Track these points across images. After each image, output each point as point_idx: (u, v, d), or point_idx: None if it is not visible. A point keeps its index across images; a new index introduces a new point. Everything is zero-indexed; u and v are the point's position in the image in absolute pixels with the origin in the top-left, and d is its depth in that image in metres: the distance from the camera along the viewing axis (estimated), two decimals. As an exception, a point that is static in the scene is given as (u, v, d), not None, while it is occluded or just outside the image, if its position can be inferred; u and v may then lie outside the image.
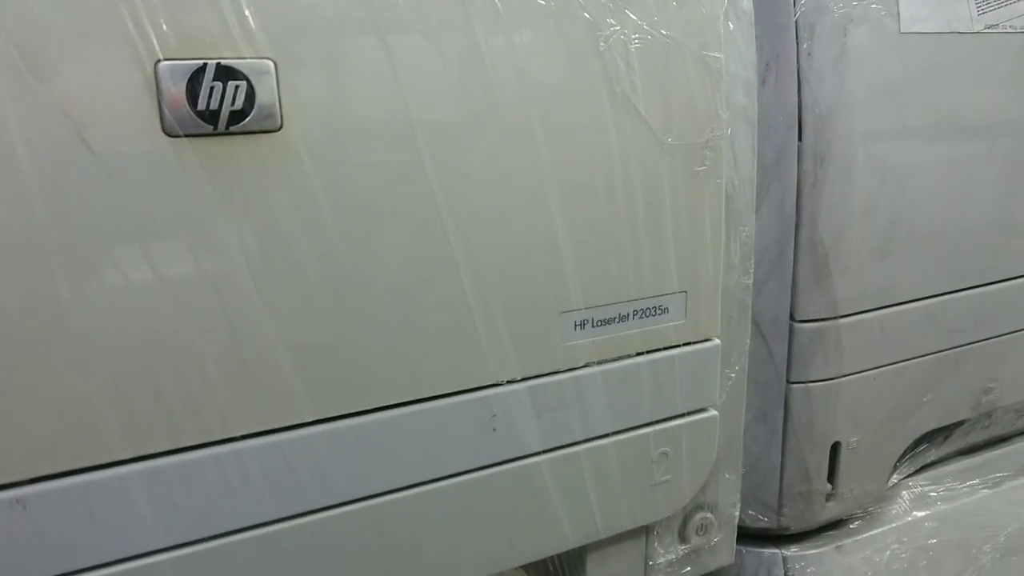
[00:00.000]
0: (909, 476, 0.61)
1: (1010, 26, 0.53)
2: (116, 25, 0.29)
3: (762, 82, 0.47)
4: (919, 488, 0.61)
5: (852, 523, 0.58)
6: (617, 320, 0.41)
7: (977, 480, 0.63)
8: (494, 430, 0.39)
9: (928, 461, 0.62)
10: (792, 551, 0.55)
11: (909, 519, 0.59)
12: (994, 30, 0.52)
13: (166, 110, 0.30)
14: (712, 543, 0.49)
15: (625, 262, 0.40)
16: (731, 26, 0.43)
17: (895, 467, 0.58)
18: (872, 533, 0.58)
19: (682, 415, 0.44)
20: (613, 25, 0.38)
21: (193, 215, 0.31)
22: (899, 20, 0.49)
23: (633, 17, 0.39)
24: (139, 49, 0.29)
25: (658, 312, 0.42)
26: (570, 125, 0.38)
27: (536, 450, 0.40)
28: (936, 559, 0.59)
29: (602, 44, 0.38)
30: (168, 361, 0.31)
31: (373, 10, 0.32)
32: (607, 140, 0.39)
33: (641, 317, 0.41)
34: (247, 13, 0.31)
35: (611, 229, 0.39)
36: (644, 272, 0.41)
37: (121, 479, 0.31)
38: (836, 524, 0.57)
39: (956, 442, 0.62)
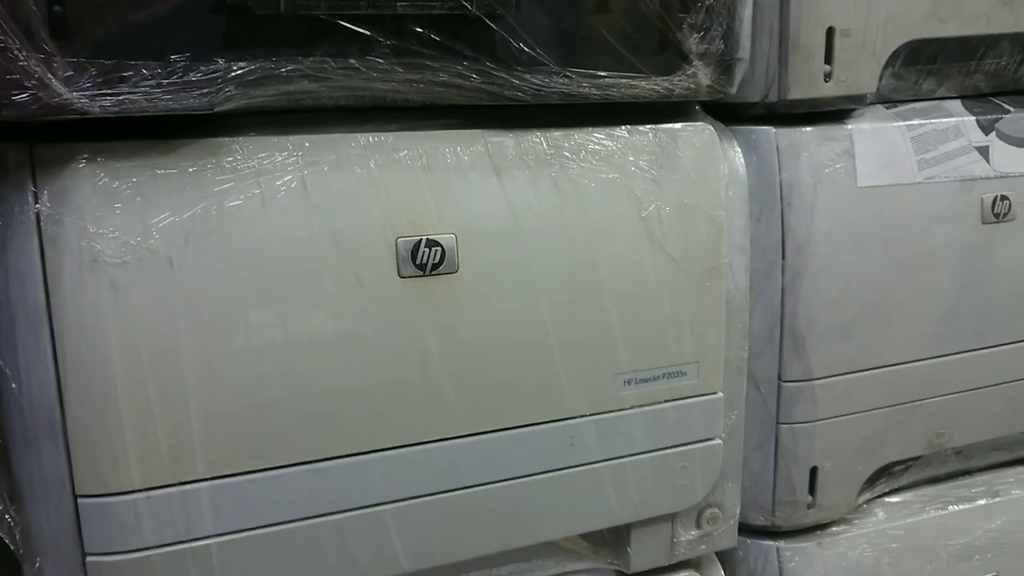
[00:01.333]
0: (880, 496, 0.82)
1: (944, 176, 0.75)
2: (383, 223, 0.55)
3: (757, 221, 0.70)
4: (889, 504, 0.83)
5: (833, 527, 0.79)
6: (651, 379, 0.65)
7: (938, 503, 0.84)
8: (572, 445, 0.63)
9: (896, 486, 0.83)
10: (783, 544, 0.77)
11: (879, 528, 0.81)
12: (931, 180, 0.74)
13: (400, 263, 0.56)
14: (719, 531, 0.72)
15: (657, 343, 0.64)
16: (730, 193, 0.67)
17: (863, 488, 0.79)
18: (847, 535, 0.79)
19: (696, 442, 0.67)
20: (652, 199, 0.63)
21: (411, 317, 0.57)
22: (856, 177, 0.72)
23: (665, 193, 0.63)
24: (389, 232, 0.55)
25: (679, 375, 0.66)
26: (625, 260, 0.62)
27: (598, 459, 0.64)
28: (898, 559, 0.80)
29: (644, 211, 0.63)
30: (392, 396, 0.57)
31: (511, 211, 0.58)
32: (647, 269, 0.63)
33: (668, 377, 0.65)
34: (442, 214, 0.57)
35: (649, 323, 0.63)
36: (670, 349, 0.65)
37: (371, 460, 0.57)
38: (820, 527, 0.79)
39: (919, 472, 0.83)
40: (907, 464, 0.81)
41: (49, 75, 0.45)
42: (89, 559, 0.52)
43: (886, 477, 0.81)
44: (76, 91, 0.45)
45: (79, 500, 0.52)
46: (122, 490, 0.52)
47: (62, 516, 0.52)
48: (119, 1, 0.46)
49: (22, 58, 0.44)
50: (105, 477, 0.51)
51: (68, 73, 0.45)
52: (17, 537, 0.53)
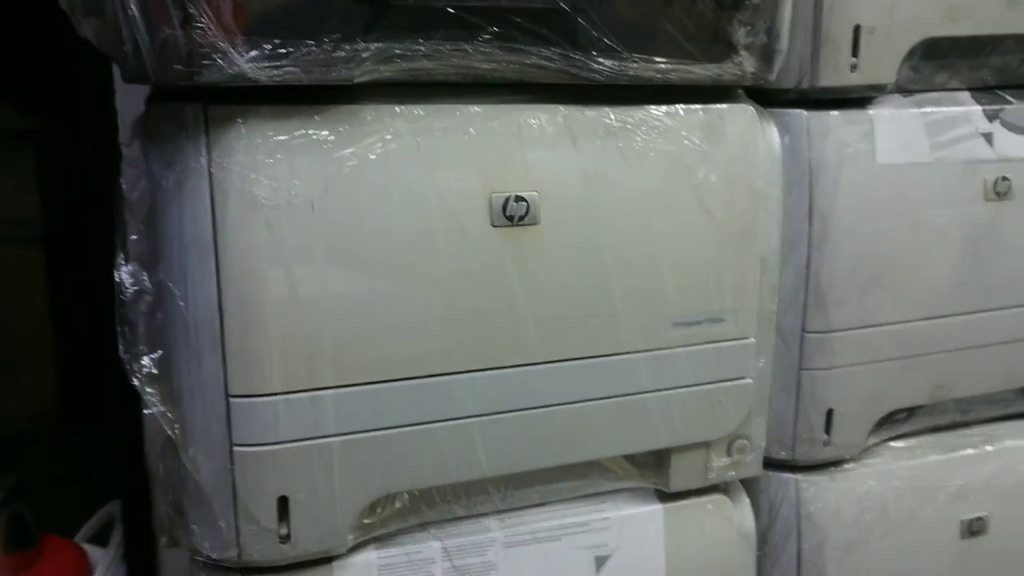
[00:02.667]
0: (887, 440, 0.93)
1: (953, 157, 0.85)
2: (480, 180, 0.66)
3: (788, 193, 0.81)
4: (894, 448, 0.94)
5: (845, 464, 0.90)
6: (695, 323, 0.76)
7: (938, 449, 0.95)
8: (627, 376, 0.74)
9: (901, 432, 0.94)
10: (800, 476, 0.88)
11: (885, 467, 0.91)
12: (942, 160, 0.85)
13: (492, 215, 0.67)
14: (747, 459, 0.83)
15: (701, 292, 0.75)
16: (767, 166, 0.77)
17: (872, 430, 0.90)
18: (857, 472, 0.90)
19: (730, 379, 0.78)
20: (701, 169, 0.74)
21: (500, 260, 0.68)
22: (876, 156, 0.83)
23: (712, 164, 0.74)
24: (485, 188, 0.66)
25: (718, 320, 0.76)
26: (677, 220, 0.73)
27: (648, 389, 0.75)
28: (901, 495, 0.91)
29: (694, 179, 0.74)
30: (482, 326, 0.68)
31: (584, 174, 0.69)
32: (695, 228, 0.74)
33: (709, 322, 0.76)
34: (528, 174, 0.68)
35: (695, 275, 0.74)
36: (712, 298, 0.75)
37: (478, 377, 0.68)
38: (834, 463, 0.90)
39: (921, 420, 0.94)
40: (911, 412, 0.92)
41: (231, 49, 0.56)
42: (236, 449, 0.64)
43: (892, 423, 0.92)
44: (250, 62, 0.57)
45: (230, 400, 0.63)
46: (266, 392, 0.63)
47: (216, 413, 0.63)
48: (284, -9, 0.57)
49: (211, 35, 0.55)
50: (253, 381, 0.63)
51: (244, 48, 0.56)
52: (176, 430, 0.64)
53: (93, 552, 1.06)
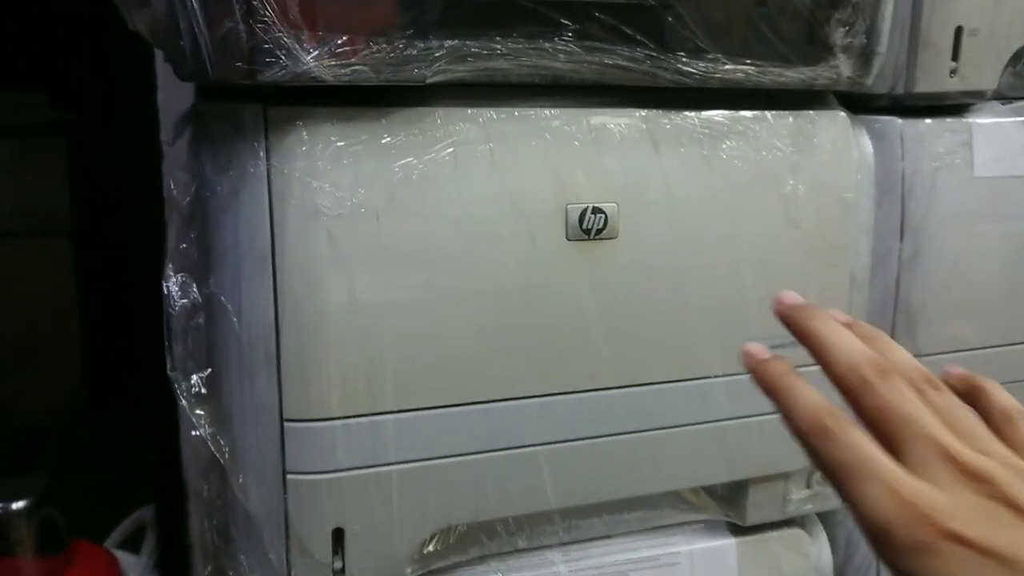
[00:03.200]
0: (972, 471, 0.87)
1: (1055, 172, 0.79)
2: (556, 189, 0.61)
3: (878, 205, 0.75)
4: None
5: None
6: (780, 346, 0.70)
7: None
8: (705, 402, 0.69)
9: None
10: (881, 509, 0.82)
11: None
12: (1043, 174, 0.79)
13: (568, 227, 0.62)
14: (827, 492, 0.77)
15: (786, 313, 0.69)
16: (859, 177, 0.72)
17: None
18: (940, 505, 0.84)
19: (814, 407, 0.73)
20: (790, 179, 0.68)
21: (574, 275, 0.63)
22: (973, 167, 0.76)
23: (802, 174, 0.68)
24: (560, 198, 0.61)
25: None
26: (763, 234, 0.67)
27: (727, 416, 0.70)
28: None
29: (782, 189, 0.68)
30: (552, 347, 0.63)
31: (666, 184, 0.64)
32: (782, 243, 0.68)
33: (793, 344, 0.70)
34: (607, 184, 0.62)
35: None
36: (797, 319, 0.70)
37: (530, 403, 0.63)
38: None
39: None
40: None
41: (297, 46, 0.51)
42: (289, 477, 0.59)
43: (979, 453, 0.86)
44: (316, 60, 0.52)
45: (285, 424, 0.58)
46: (323, 417, 0.58)
47: (269, 438, 0.59)
48: (354, -17, 0.53)
49: (275, 30, 0.51)
50: (310, 404, 0.58)
51: (310, 45, 0.52)
52: (226, 454, 0.60)
53: (125, 559, 1.03)
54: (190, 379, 0.60)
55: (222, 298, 0.58)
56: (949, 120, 0.76)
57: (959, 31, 0.72)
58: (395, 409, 0.60)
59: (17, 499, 0.84)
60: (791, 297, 0.41)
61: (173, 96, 0.80)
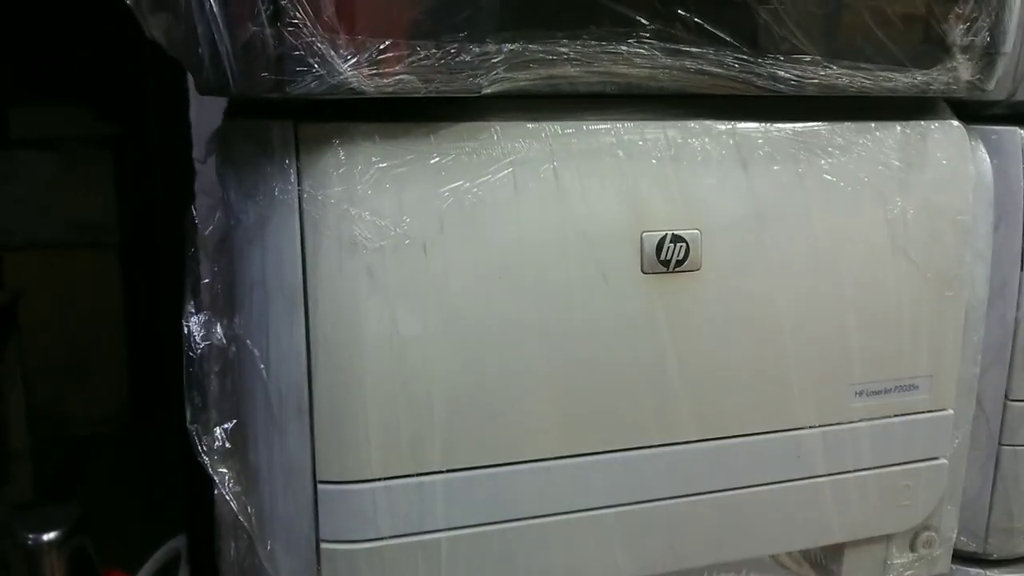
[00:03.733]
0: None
1: None
2: (630, 215, 0.53)
3: (995, 229, 0.65)
4: (1104, 539, 0.77)
5: (1046, 559, 0.74)
6: (883, 392, 0.61)
7: None
8: (798, 457, 0.60)
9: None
10: (994, 573, 0.72)
11: (1094, 563, 0.75)
12: None
13: (644, 258, 0.54)
14: (934, 555, 0.67)
15: (892, 354, 0.60)
16: (975, 196, 0.62)
17: (1084, 519, 0.74)
18: (1061, 568, 0.74)
19: (922, 460, 0.63)
20: (898, 200, 0.59)
21: (650, 313, 0.54)
22: (1106, 184, 0.66)
23: (912, 194, 0.59)
24: (635, 225, 0.53)
25: (911, 388, 0.62)
26: (866, 263, 0.58)
27: (823, 473, 0.61)
28: (1116, 597, 0.74)
29: (889, 212, 0.59)
30: (625, 397, 0.55)
31: (756, 207, 0.55)
32: (888, 274, 0.59)
33: (899, 391, 0.61)
34: (688, 208, 0.54)
35: (886, 332, 0.60)
36: (905, 361, 0.61)
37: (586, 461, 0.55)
38: (1031, 558, 0.74)
39: None
40: None
41: (332, 52, 0.44)
42: (323, 546, 0.52)
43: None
44: (355, 70, 0.44)
45: (319, 486, 0.51)
46: (363, 478, 0.51)
47: (300, 501, 0.51)
48: (399, -22, 0.45)
49: (307, 34, 0.43)
50: (347, 464, 0.50)
51: (348, 51, 0.44)
52: (251, 519, 0.53)
53: (158, 590, 0.98)
54: (212, 432, 0.53)
55: (248, 342, 0.51)
56: (1078, 130, 0.66)
57: (1093, 27, 0.62)
58: (444, 469, 0.52)
59: (49, 530, 0.80)
60: None
61: (209, 110, 0.74)
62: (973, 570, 0.73)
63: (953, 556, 0.72)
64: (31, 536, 0.79)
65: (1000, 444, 0.69)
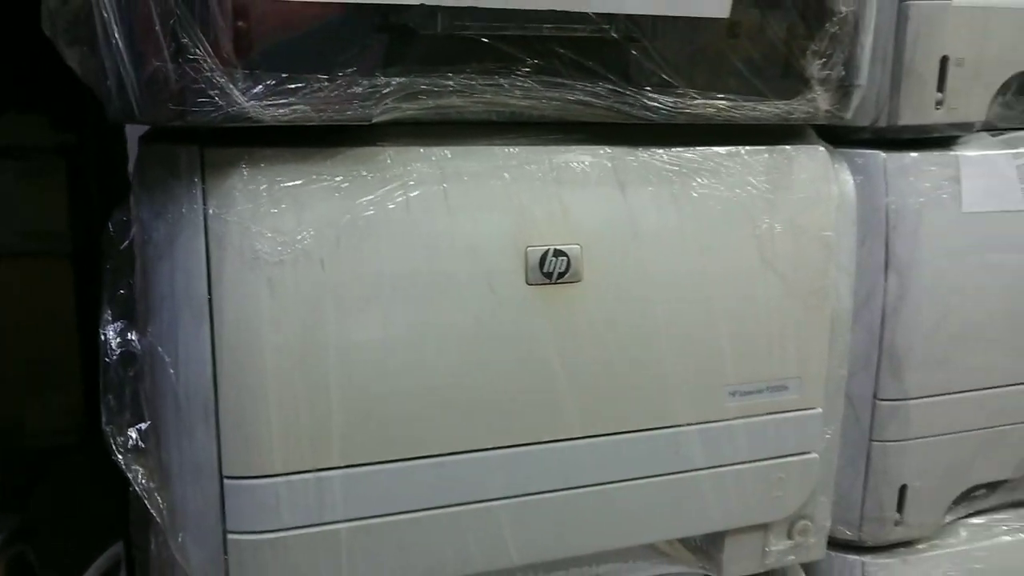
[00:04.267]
0: (964, 517, 0.83)
1: (1048, 206, 0.75)
2: (515, 232, 0.58)
3: (861, 244, 0.71)
4: (973, 526, 0.84)
5: (918, 545, 0.81)
6: (755, 392, 0.67)
7: (1021, 526, 0.85)
8: (677, 452, 0.65)
9: (980, 508, 0.84)
10: (868, 559, 0.79)
11: (963, 548, 0.82)
12: (1036, 209, 0.75)
13: (528, 271, 0.59)
14: (810, 542, 0.73)
15: (763, 358, 0.66)
16: (840, 214, 0.68)
17: (949, 508, 0.80)
18: (931, 554, 0.80)
19: (793, 455, 0.69)
20: (765, 218, 0.65)
21: (535, 321, 0.59)
22: (961, 202, 0.73)
23: (778, 212, 0.65)
24: (520, 241, 0.58)
25: (782, 389, 0.67)
26: (736, 277, 0.64)
27: (701, 466, 0.66)
28: (981, 579, 0.81)
29: (757, 229, 0.65)
30: (512, 397, 0.60)
31: (632, 224, 0.60)
32: (757, 286, 0.65)
33: (771, 391, 0.67)
34: (569, 225, 0.59)
35: (756, 338, 0.65)
36: (774, 364, 0.66)
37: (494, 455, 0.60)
38: (904, 544, 0.80)
39: (1004, 495, 0.84)
40: (993, 487, 0.82)
41: (230, 85, 0.48)
42: (230, 536, 0.56)
43: (970, 499, 0.82)
44: (252, 100, 0.49)
45: (225, 481, 0.55)
46: (265, 473, 0.55)
47: (208, 495, 0.55)
48: (293, 19, 0.50)
49: (207, 68, 0.48)
50: (251, 461, 0.55)
51: (246, 84, 0.49)
52: (163, 513, 0.57)
53: (97, 600, 1.00)
54: (127, 433, 0.57)
55: (159, 349, 0.55)
56: (935, 153, 0.73)
57: (944, 61, 0.69)
58: (343, 464, 0.56)
59: None
60: None
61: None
62: (850, 556, 0.79)
63: (831, 544, 0.78)
64: (-31, 546, 0.80)
65: (871, 440, 0.76)
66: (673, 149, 0.62)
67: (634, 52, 0.57)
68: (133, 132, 0.82)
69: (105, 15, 0.47)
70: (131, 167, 0.78)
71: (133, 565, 1.00)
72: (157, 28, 0.47)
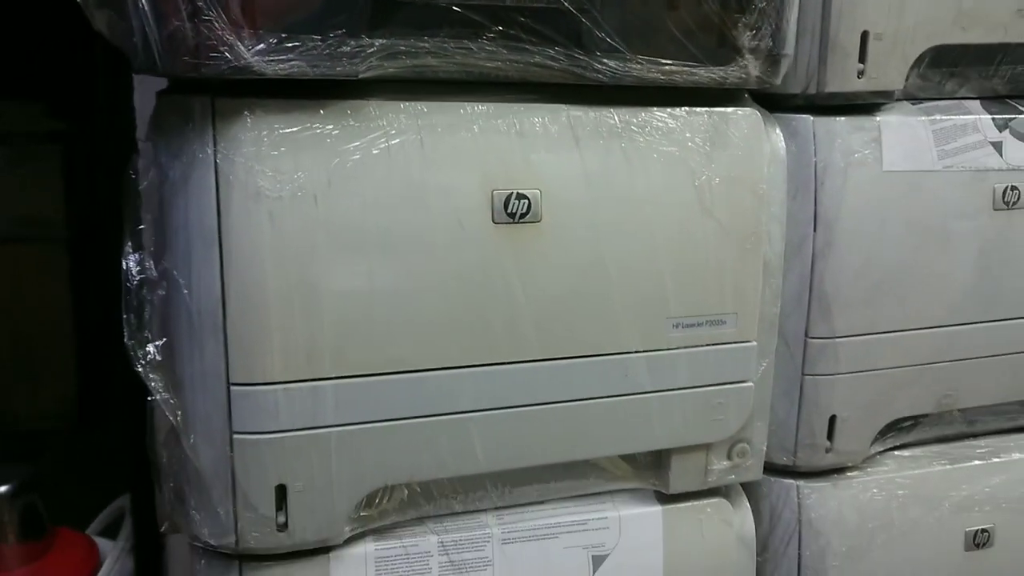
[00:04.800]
0: (891, 449, 0.93)
1: (961, 166, 0.85)
2: (482, 177, 0.67)
3: (793, 198, 0.81)
4: (899, 457, 0.93)
5: (848, 472, 0.90)
6: (696, 325, 0.76)
7: (944, 459, 0.94)
8: (626, 376, 0.75)
9: (906, 441, 0.93)
10: (802, 483, 0.88)
11: (888, 476, 0.91)
12: (950, 169, 0.85)
13: (494, 212, 0.68)
14: (747, 464, 0.82)
15: (702, 294, 0.75)
16: (771, 170, 0.77)
17: (876, 438, 0.90)
18: (860, 479, 0.89)
19: (731, 383, 0.78)
20: (704, 171, 0.74)
21: (500, 256, 0.68)
22: (882, 163, 0.82)
23: (716, 167, 0.74)
24: (486, 185, 0.67)
25: (720, 323, 0.76)
26: (679, 222, 0.73)
27: (647, 390, 0.75)
28: (904, 504, 0.90)
29: (697, 181, 0.74)
30: (481, 322, 0.69)
31: (586, 174, 0.70)
32: (697, 230, 0.74)
33: (710, 324, 0.76)
34: (530, 173, 0.68)
35: (696, 277, 0.74)
36: (713, 300, 0.75)
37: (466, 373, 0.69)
38: (836, 470, 0.90)
39: (927, 430, 0.93)
40: (916, 421, 0.92)
41: (238, 42, 0.57)
42: (236, 436, 0.65)
43: (896, 431, 0.91)
44: (256, 56, 0.58)
45: (231, 388, 0.64)
46: (266, 381, 0.64)
47: (217, 400, 0.64)
48: (292, -14, 0.59)
49: (219, 27, 0.56)
50: (254, 370, 0.64)
51: (251, 41, 0.57)
52: (178, 417, 0.66)
53: (103, 544, 1.08)
54: (146, 348, 0.66)
55: (175, 273, 0.64)
56: (859, 118, 0.82)
57: (865, 35, 0.78)
58: (333, 376, 0.65)
59: (1, 484, 0.88)
60: None
61: (150, 97, 0.86)
62: (786, 480, 0.88)
63: (769, 469, 0.87)
64: (-16, 490, 0.87)
65: (803, 374, 0.85)
66: (623, 108, 0.71)
67: (585, 21, 0.66)
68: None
69: (133, -19, 0.55)
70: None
71: (142, 514, 1.08)
72: (177, -8, 0.55)
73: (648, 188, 0.72)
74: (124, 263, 0.65)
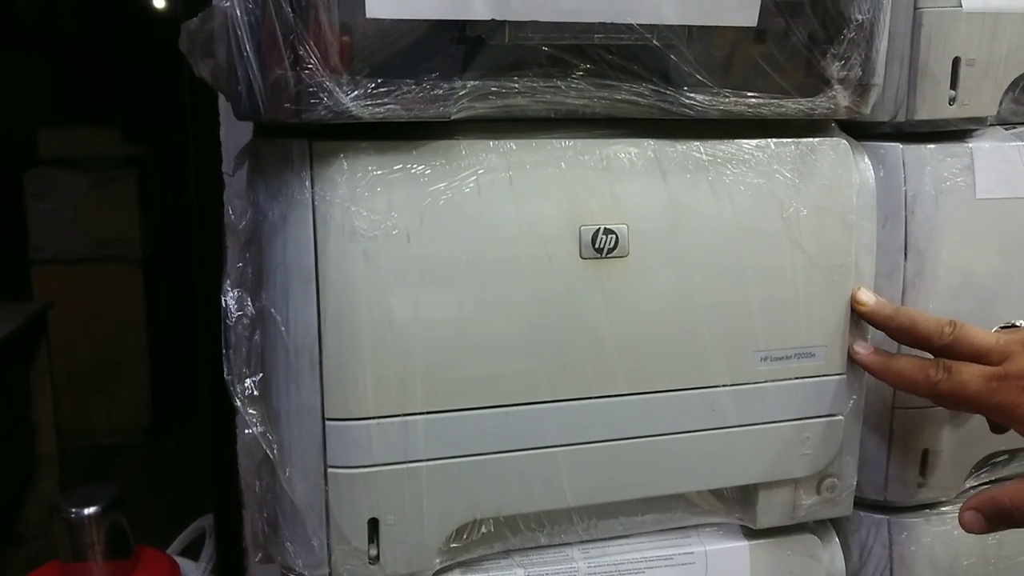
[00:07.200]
0: (986, 483, 0.90)
1: (1058, 193, 0.82)
2: (570, 212, 0.67)
3: (882, 227, 0.79)
4: (994, 493, 0.90)
5: (942, 506, 0.87)
6: (784, 358, 0.75)
7: (1042, 494, 0.91)
8: (713, 410, 0.74)
9: (1001, 475, 0.90)
10: (893, 517, 0.86)
11: (984, 512, 0.88)
12: (1046, 196, 0.82)
13: (582, 247, 0.68)
14: (837, 498, 0.81)
15: (790, 327, 0.74)
16: (860, 199, 0.76)
17: (971, 472, 0.87)
18: (955, 515, 0.86)
19: (821, 416, 0.77)
20: (792, 203, 0.73)
21: (587, 290, 0.68)
22: (975, 190, 0.80)
23: (804, 198, 0.73)
24: (574, 220, 0.68)
25: (808, 356, 0.75)
26: (766, 254, 0.72)
27: (734, 424, 0.75)
28: (1001, 542, 0.87)
29: (784, 212, 0.73)
30: (568, 356, 0.69)
31: (673, 208, 0.70)
32: (785, 262, 0.73)
33: (798, 357, 0.75)
34: (618, 208, 0.68)
35: (784, 310, 0.73)
36: (801, 333, 0.75)
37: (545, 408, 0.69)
38: (928, 505, 0.87)
39: (1022, 463, 0.90)
40: (1012, 455, 0.89)
41: (336, 88, 0.59)
42: (330, 470, 0.66)
43: (991, 465, 0.89)
44: (354, 101, 0.59)
45: (327, 423, 0.65)
46: (360, 416, 0.65)
47: (312, 435, 0.66)
48: (387, 33, 0.60)
49: (319, 75, 0.58)
50: (348, 405, 0.65)
51: (349, 87, 0.59)
52: (274, 450, 0.67)
53: (185, 565, 1.11)
54: (244, 383, 0.68)
55: (272, 311, 0.65)
56: (950, 145, 0.80)
57: (956, 62, 0.77)
58: (424, 411, 0.66)
59: (88, 505, 0.92)
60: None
61: (233, 132, 0.90)
62: (877, 515, 0.86)
63: (860, 503, 0.85)
64: (73, 510, 0.91)
65: (894, 407, 0.83)
66: (709, 141, 0.71)
67: (673, 57, 0.66)
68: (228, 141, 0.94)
69: (239, 33, 0.58)
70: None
71: (223, 536, 1.11)
72: (280, 42, 0.57)
73: (735, 221, 0.72)
74: (223, 300, 0.67)
